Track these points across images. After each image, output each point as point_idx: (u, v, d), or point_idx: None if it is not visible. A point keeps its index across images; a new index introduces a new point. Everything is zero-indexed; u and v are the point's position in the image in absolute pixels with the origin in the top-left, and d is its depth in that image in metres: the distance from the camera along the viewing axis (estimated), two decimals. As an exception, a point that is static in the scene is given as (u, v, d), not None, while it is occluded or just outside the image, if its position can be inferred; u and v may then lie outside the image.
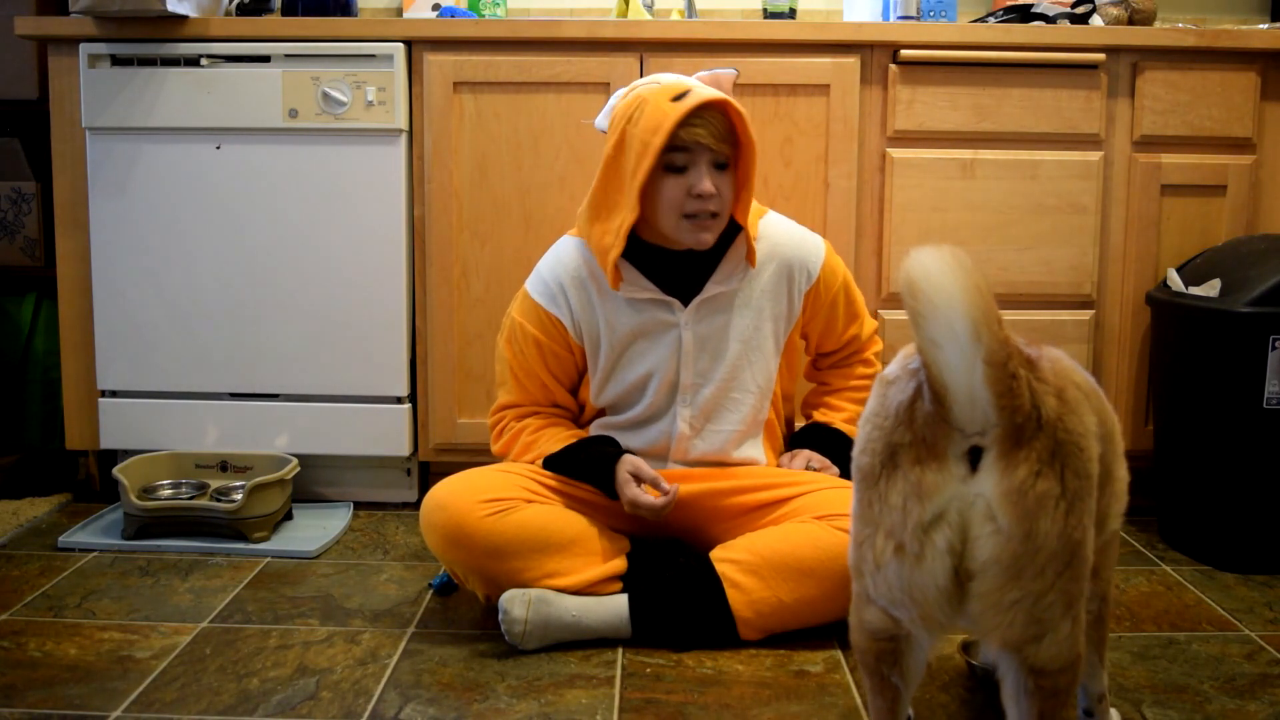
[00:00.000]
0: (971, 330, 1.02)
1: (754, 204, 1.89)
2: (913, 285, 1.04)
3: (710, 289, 1.83)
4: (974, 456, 1.08)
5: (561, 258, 1.87)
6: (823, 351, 2.01)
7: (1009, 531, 1.06)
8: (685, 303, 1.83)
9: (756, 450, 1.90)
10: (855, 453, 1.19)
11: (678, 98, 1.70)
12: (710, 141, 1.71)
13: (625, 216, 1.73)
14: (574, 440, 1.84)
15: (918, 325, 1.06)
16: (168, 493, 2.27)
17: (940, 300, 1.03)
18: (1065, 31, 2.26)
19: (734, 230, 1.83)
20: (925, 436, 1.09)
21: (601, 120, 1.82)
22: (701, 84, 1.77)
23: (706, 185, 1.71)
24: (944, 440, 1.09)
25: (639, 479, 1.76)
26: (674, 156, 1.72)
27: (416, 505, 2.36)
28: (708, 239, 1.77)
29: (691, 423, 1.85)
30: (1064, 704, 1.14)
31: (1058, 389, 1.10)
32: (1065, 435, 1.08)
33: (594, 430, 1.90)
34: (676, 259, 1.82)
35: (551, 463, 1.82)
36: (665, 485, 1.74)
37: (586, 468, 1.80)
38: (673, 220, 1.75)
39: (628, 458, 1.78)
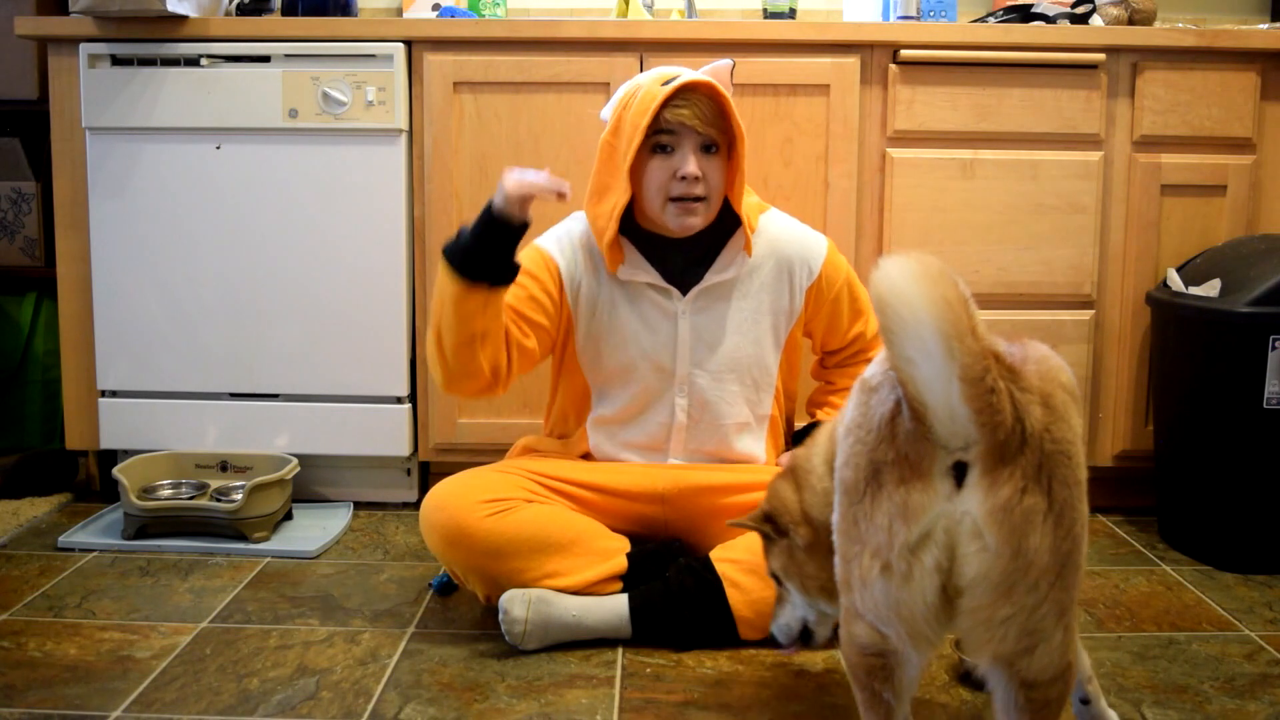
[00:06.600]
0: (944, 346, 0.98)
1: (757, 201, 1.90)
2: (880, 299, 1.00)
3: (709, 278, 1.83)
4: (959, 472, 1.05)
5: (572, 227, 1.89)
6: (828, 350, 2.00)
7: (997, 549, 1.03)
8: (684, 293, 1.84)
9: (757, 445, 1.90)
10: (838, 464, 1.16)
11: (668, 82, 1.73)
12: (696, 123, 1.71)
13: (618, 198, 1.75)
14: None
15: (889, 341, 1.02)
16: (168, 493, 2.27)
17: (909, 315, 0.99)
18: (1065, 31, 2.26)
19: (735, 223, 1.84)
20: (908, 454, 1.06)
21: (606, 111, 1.84)
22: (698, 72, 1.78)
23: (691, 167, 1.72)
24: (927, 457, 1.05)
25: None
26: (661, 138, 1.73)
27: (416, 505, 2.36)
28: (694, 223, 1.77)
29: (689, 413, 1.85)
30: (1056, 715, 1.13)
31: (1043, 395, 1.07)
32: (1053, 445, 1.05)
33: (590, 430, 1.89)
34: (677, 247, 1.82)
35: (451, 255, 1.65)
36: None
37: (480, 236, 1.63)
38: (659, 203, 1.76)
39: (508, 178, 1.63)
